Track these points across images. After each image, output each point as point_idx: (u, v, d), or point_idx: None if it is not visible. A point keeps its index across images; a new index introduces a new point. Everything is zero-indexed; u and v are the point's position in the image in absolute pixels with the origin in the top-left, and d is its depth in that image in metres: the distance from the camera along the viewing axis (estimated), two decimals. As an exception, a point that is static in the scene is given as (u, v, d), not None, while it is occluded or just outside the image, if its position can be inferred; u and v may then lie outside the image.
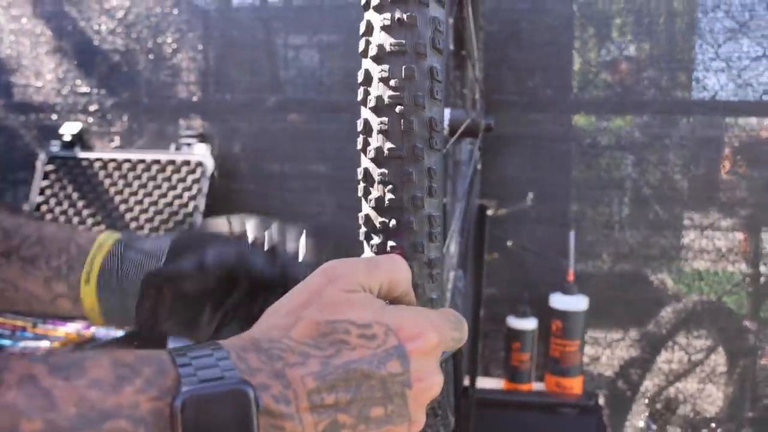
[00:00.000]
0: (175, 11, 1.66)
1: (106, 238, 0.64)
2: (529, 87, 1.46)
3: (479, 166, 1.40)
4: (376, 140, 0.63)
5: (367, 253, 0.70)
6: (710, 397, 1.47)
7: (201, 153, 1.57)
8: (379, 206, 0.64)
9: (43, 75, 1.75)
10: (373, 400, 0.43)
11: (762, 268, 1.41)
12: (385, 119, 0.62)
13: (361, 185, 0.66)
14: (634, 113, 1.42)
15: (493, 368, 1.56)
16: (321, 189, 1.61)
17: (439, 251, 0.69)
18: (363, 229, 0.68)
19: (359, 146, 0.65)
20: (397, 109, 0.61)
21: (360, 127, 0.64)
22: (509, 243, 1.50)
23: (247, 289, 0.60)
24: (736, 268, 1.42)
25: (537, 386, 1.44)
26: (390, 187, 0.63)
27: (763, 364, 1.44)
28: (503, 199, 1.50)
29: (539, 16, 1.45)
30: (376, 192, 0.64)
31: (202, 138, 1.61)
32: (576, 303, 1.37)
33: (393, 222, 0.64)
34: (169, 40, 1.67)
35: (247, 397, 0.38)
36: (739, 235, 1.41)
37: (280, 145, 1.62)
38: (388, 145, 0.62)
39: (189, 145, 1.59)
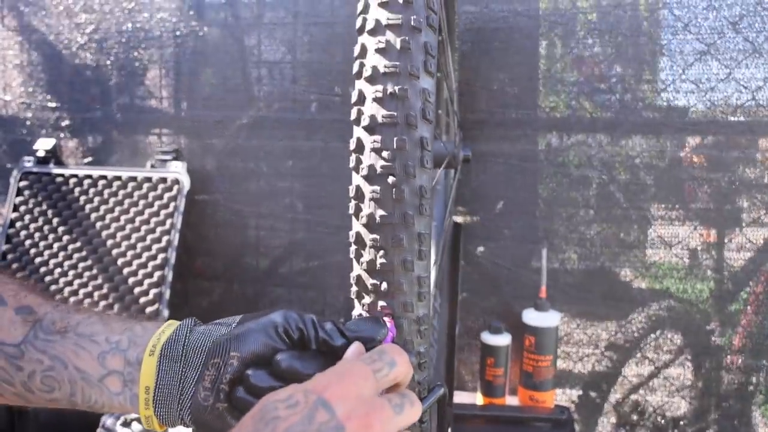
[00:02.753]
0: (147, 26, 1.65)
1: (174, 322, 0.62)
2: (500, 106, 1.49)
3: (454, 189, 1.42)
4: (368, 206, 0.65)
5: (358, 311, 0.72)
6: (676, 401, 1.51)
7: (177, 170, 1.57)
8: (371, 269, 0.67)
9: (12, 89, 1.74)
10: None
11: (725, 282, 1.45)
12: (377, 187, 0.64)
13: (353, 248, 0.68)
14: (604, 132, 1.45)
15: (468, 379, 1.59)
16: (295, 206, 1.62)
17: (426, 308, 0.71)
18: (354, 289, 0.70)
19: (351, 210, 0.67)
20: (389, 179, 0.63)
21: (352, 192, 0.66)
22: (480, 249, 1.53)
23: (314, 354, 0.59)
24: (705, 285, 1.46)
25: (510, 399, 1.47)
26: (381, 251, 0.65)
27: (726, 371, 1.48)
28: (474, 213, 1.53)
29: (510, 35, 1.47)
30: (367, 255, 0.66)
31: (178, 155, 1.61)
32: (548, 319, 1.40)
33: (384, 284, 0.66)
34: (141, 55, 1.67)
35: None
36: (705, 253, 1.45)
37: (254, 163, 1.63)
38: (380, 212, 0.64)
39: (165, 161, 1.59)
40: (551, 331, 1.40)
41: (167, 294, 1.48)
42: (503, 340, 1.42)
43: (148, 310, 1.48)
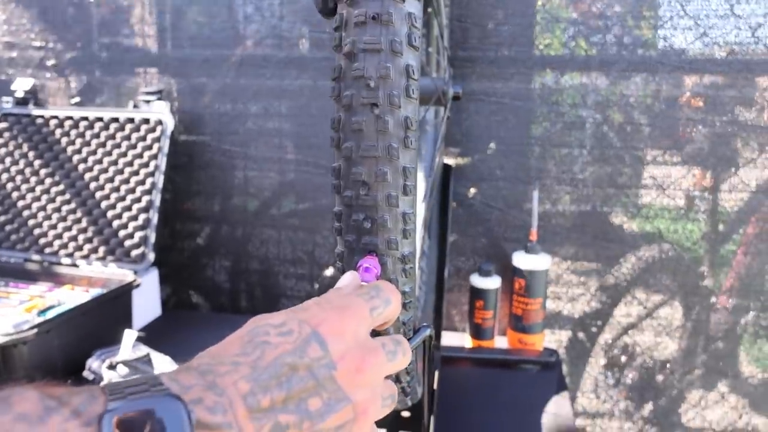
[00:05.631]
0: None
1: None
2: (493, 43, 1.44)
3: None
4: (349, 138, 0.62)
5: (340, 248, 0.69)
6: (665, 343, 1.51)
7: (161, 110, 1.53)
8: (353, 204, 0.64)
9: (-6, 27, 1.69)
10: (306, 391, 0.43)
11: (718, 224, 1.44)
12: (360, 118, 0.61)
13: (335, 182, 0.65)
14: (600, 71, 1.41)
15: (457, 320, 1.58)
16: (285, 147, 1.59)
17: (412, 246, 0.69)
18: (336, 225, 0.67)
19: (332, 143, 0.64)
20: (372, 109, 0.60)
21: (333, 123, 0.63)
22: (471, 191, 1.50)
23: None
24: (696, 226, 1.44)
25: (499, 341, 1.47)
26: (364, 186, 0.62)
27: (715, 312, 1.47)
28: (465, 154, 1.50)
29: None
30: (349, 190, 0.63)
31: (162, 95, 1.57)
32: (539, 262, 1.38)
33: (367, 221, 0.64)
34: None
35: (177, 409, 0.38)
36: (699, 195, 1.43)
37: (242, 103, 1.59)
38: (363, 144, 0.61)
39: (148, 102, 1.55)
40: (541, 274, 1.38)
41: (153, 237, 1.46)
42: (493, 282, 1.41)
43: (134, 253, 1.46)
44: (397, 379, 0.81)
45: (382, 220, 0.64)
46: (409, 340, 0.77)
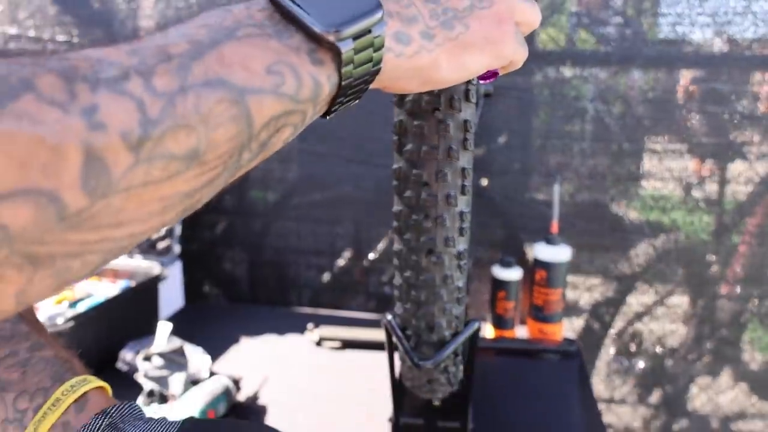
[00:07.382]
0: (151, -46, 1.60)
1: (80, 383, 0.50)
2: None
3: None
4: (411, 141, 0.64)
5: (398, 246, 0.72)
6: (674, 330, 1.55)
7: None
8: (413, 204, 0.66)
9: (20, 22, 1.69)
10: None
11: (726, 214, 1.47)
12: (422, 122, 0.63)
13: (395, 183, 0.67)
14: (619, 66, 1.43)
15: (472, 312, 1.61)
16: (304, 138, 1.60)
17: (467, 244, 0.71)
18: (395, 224, 0.70)
19: (394, 146, 0.66)
20: (434, 113, 0.62)
21: (395, 128, 0.65)
22: (483, 182, 1.53)
23: None
24: (709, 217, 1.48)
25: (519, 330, 1.50)
26: (425, 186, 0.65)
27: (722, 300, 1.51)
28: (480, 146, 1.53)
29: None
30: (410, 191, 0.66)
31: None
32: (560, 254, 1.41)
33: (427, 220, 0.66)
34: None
35: None
36: (709, 186, 1.46)
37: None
38: (424, 147, 0.63)
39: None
40: (562, 265, 1.41)
41: (178, 230, 1.48)
42: (515, 274, 1.43)
43: (160, 245, 1.48)
44: (445, 369, 0.84)
45: (442, 219, 0.66)
46: (459, 333, 0.80)
